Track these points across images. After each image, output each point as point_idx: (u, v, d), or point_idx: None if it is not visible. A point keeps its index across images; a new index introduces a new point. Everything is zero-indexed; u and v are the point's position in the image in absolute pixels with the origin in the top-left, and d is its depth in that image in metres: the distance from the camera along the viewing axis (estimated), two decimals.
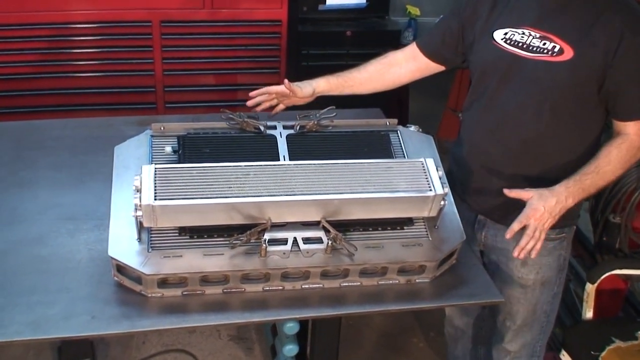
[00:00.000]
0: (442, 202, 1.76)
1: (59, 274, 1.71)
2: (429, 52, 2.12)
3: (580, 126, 1.87)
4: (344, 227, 1.75)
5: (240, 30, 3.56)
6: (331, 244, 1.70)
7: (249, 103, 2.12)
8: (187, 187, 1.64)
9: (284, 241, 1.71)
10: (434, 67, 2.14)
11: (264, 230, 1.69)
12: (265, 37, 3.61)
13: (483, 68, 1.97)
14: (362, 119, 2.10)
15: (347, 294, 1.75)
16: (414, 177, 1.76)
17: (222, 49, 3.58)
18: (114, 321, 1.61)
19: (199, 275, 1.66)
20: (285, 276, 1.73)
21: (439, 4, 4.12)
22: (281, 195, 1.67)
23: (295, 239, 1.72)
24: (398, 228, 1.80)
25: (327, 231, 1.72)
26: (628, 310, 2.73)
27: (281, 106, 2.14)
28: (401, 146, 2.02)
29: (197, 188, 1.64)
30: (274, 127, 1.99)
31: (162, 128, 1.94)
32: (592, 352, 2.24)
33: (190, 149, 1.89)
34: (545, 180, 1.83)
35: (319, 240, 1.72)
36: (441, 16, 2.18)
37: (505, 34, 1.88)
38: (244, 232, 1.67)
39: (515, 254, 1.78)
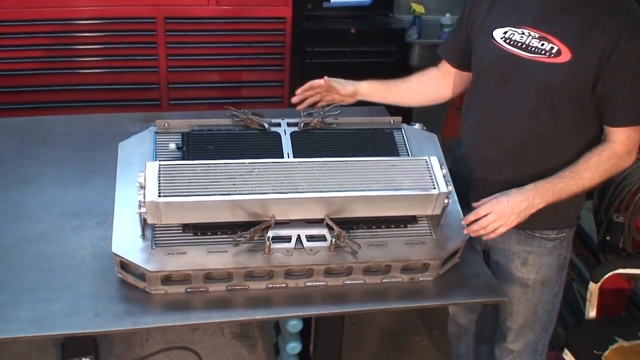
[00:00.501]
0: (446, 201, 1.76)
1: (63, 270, 1.71)
2: (456, 64, 2.11)
3: (578, 128, 1.86)
4: (348, 224, 1.75)
5: (244, 28, 3.56)
6: (335, 241, 1.70)
7: (294, 100, 2.11)
8: (191, 184, 1.64)
9: (288, 239, 1.71)
10: (466, 76, 2.11)
11: (267, 228, 1.69)
12: (269, 34, 3.61)
13: (482, 67, 1.97)
14: (367, 117, 2.09)
15: (351, 292, 1.75)
16: (418, 175, 1.76)
17: (227, 46, 3.58)
18: (117, 318, 1.61)
19: (203, 272, 1.66)
20: (289, 274, 1.73)
21: (443, 2, 4.12)
22: (285, 192, 1.67)
23: (298, 237, 1.72)
24: (402, 226, 1.80)
25: (330, 229, 1.71)
26: (631, 309, 2.72)
27: (322, 102, 2.11)
28: (405, 144, 2.02)
29: (201, 185, 1.64)
30: (278, 125, 1.99)
31: (166, 125, 1.94)
32: (595, 352, 2.23)
33: (195, 146, 1.89)
34: (541, 178, 1.83)
35: (322, 238, 1.72)
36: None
37: (505, 33, 1.87)
38: (247, 230, 1.67)
39: (465, 231, 1.79)
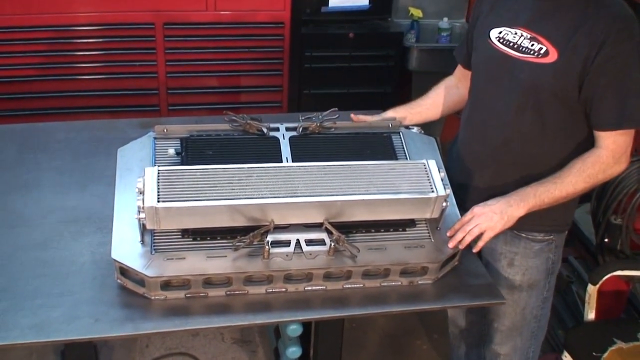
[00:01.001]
0: (444, 204, 1.77)
1: (62, 277, 1.71)
2: (466, 65, 2.13)
3: (564, 130, 1.86)
4: (347, 228, 1.76)
5: (243, 33, 3.57)
6: (334, 245, 1.70)
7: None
8: (190, 189, 1.65)
9: (287, 243, 1.71)
10: None
11: (266, 232, 1.69)
12: (268, 39, 3.62)
13: (477, 66, 2.01)
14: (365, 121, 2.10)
15: (350, 296, 1.76)
16: (416, 179, 1.77)
17: (225, 51, 3.60)
18: (117, 324, 1.61)
19: (202, 277, 1.67)
20: (288, 278, 1.73)
21: (441, 6, 4.13)
22: (284, 197, 1.67)
23: (298, 241, 1.72)
24: (400, 230, 1.81)
25: (329, 233, 1.72)
26: (630, 311, 2.73)
27: None
28: (403, 148, 2.02)
29: (200, 190, 1.65)
30: (277, 129, 1.99)
31: (165, 130, 1.95)
32: (594, 353, 2.24)
33: (194, 151, 1.89)
34: (528, 180, 1.84)
35: (321, 242, 1.72)
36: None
37: (500, 32, 1.89)
38: (246, 234, 1.67)
39: (450, 244, 1.79)
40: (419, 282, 1.80)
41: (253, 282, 1.72)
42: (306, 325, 2.25)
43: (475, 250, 1.83)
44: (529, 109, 1.84)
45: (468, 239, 1.78)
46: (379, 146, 2.01)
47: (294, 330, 2.27)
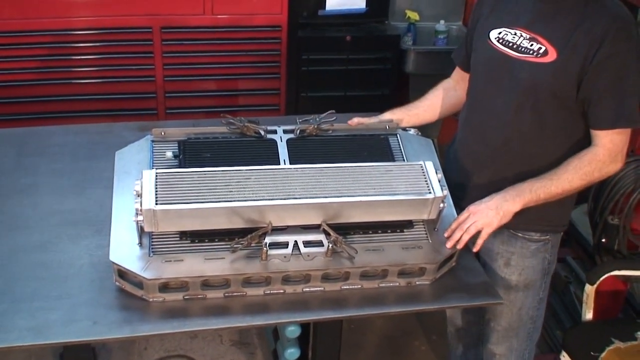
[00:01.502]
0: (442, 205, 1.77)
1: (61, 279, 1.72)
2: (465, 67, 2.14)
3: (563, 129, 1.87)
4: (345, 230, 1.76)
5: (240, 36, 3.58)
6: (332, 247, 1.71)
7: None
8: (188, 191, 1.65)
9: (285, 245, 1.72)
10: None
11: (264, 234, 1.70)
12: (265, 42, 3.63)
13: (476, 66, 2.01)
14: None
15: (348, 297, 1.76)
16: (414, 180, 1.77)
17: (223, 55, 3.60)
18: (115, 326, 1.61)
19: (200, 279, 1.67)
20: (286, 279, 1.73)
21: (438, 9, 4.14)
22: (282, 199, 1.68)
23: (295, 243, 1.72)
24: (398, 231, 1.81)
25: (327, 234, 1.72)
26: (627, 311, 2.73)
27: None
28: (401, 149, 2.03)
29: (198, 192, 1.66)
30: (274, 132, 2.00)
31: (162, 133, 1.96)
32: (592, 353, 2.24)
33: (191, 154, 1.90)
34: (526, 180, 1.85)
35: (319, 244, 1.73)
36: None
37: (500, 33, 1.91)
38: (244, 236, 1.68)
39: (448, 244, 1.80)
40: (417, 282, 1.80)
41: (251, 284, 1.72)
42: (304, 326, 2.25)
43: (475, 249, 1.84)
44: (528, 108, 1.85)
45: (465, 238, 1.79)
46: (376, 148, 2.02)
47: (293, 331, 2.27)
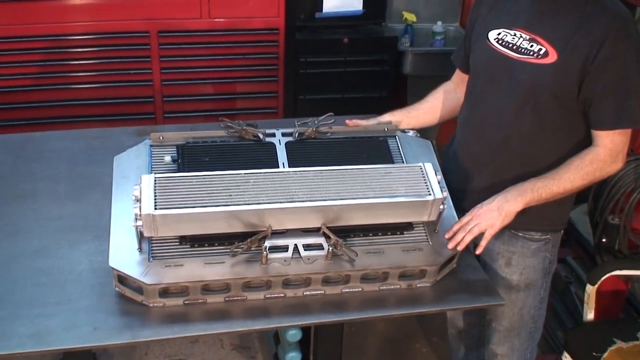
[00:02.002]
0: (442, 206, 1.77)
1: (60, 285, 1.71)
2: (464, 69, 2.14)
3: (563, 130, 1.87)
4: (344, 233, 1.76)
5: (238, 39, 3.58)
6: (332, 250, 1.70)
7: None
8: (187, 196, 1.65)
9: (285, 248, 1.71)
10: None
11: (264, 238, 1.69)
12: (263, 45, 3.63)
13: (475, 67, 2.01)
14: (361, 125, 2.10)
15: (349, 300, 1.76)
16: (413, 182, 1.77)
17: (220, 58, 3.60)
18: (116, 332, 1.61)
19: (201, 284, 1.66)
20: (287, 283, 1.73)
21: (435, 10, 4.14)
22: (281, 202, 1.67)
23: (295, 246, 1.72)
24: (398, 233, 1.81)
25: (327, 237, 1.72)
26: (629, 311, 2.73)
27: None
28: (400, 151, 2.03)
29: (197, 197, 1.65)
30: (273, 135, 2.00)
31: (161, 138, 1.95)
32: (594, 354, 2.24)
33: (190, 158, 1.89)
34: (527, 179, 1.85)
35: (319, 247, 1.73)
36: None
37: (499, 34, 1.90)
38: (244, 240, 1.67)
39: (449, 245, 1.80)
40: (418, 285, 1.80)
41: (252, 288, 1.72)
42: (305, 330, 2.25)
43: (478, 251, 1.84)
44: (528, 109, 1.85)
45: (468, 239, 1.79)
46: (376, 150, 2.02)
47: (293, 335, 2.27)
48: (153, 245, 1.69)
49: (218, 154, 1.93)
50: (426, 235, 1.82)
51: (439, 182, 1.77)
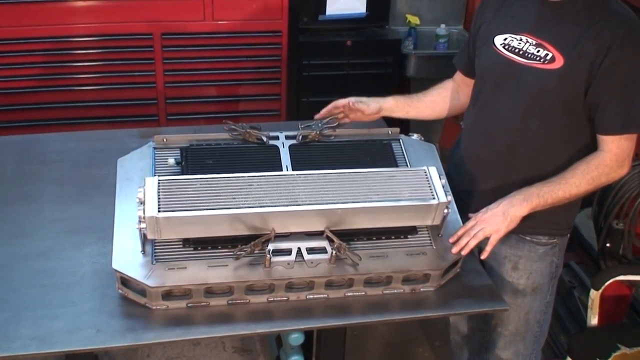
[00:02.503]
0: (446, 210, 1.76)
1: (64, 287, 1.71)
2: (466, 71, 2.14)
3: (569, 135, 1.87)
4: (348, 236, 1.75)
5: (241, 42, 3.58)
6: (335, 253, 1.70)
7: (317, 117, 2.10)
8: (191, 198, 1.64)
9: (288, 251, 1.71)
10: None
11: (268, 241, 1.69)
12: (266, 48, 3.63)
13: (481, 72, 2.01)
14: (364, 128, 2.10)
15: (352, 304, 1.75)
16: (417, 186, 1.76)
17: (223, 61, 3.60)
18: (119, 334, 1.60)
19: (204, 287, 1.66)
20: (290, 287, 1.72)
21: (439, 13, 4.15)
22: (285, 205, 1.67)
23: (299, 249, 1.71)
24: (402, 237, 1.80)
25: (331, 241, 1.71)
26: (633, 316, 2.72)
27: (347, 120, 2.12)
28: (404, 155, 2.02)
29: (201, 199, 1.65)
30: (277, 138, 1.99)
31: (164, 140, 1.95)
32: (598, 359, 2.23)
33: (194, 161, 1.89)
34: (532, 184, 1.84)
35: (323, 250, 1.72)
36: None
37: (505, 39, 1.90)
38: (248, 243, 1.67)
39: (453, 250, 1.79)
40: (421, 289, 1.79)
41: (254, 291, 1.71)
42: (308, 333, 2.25)
43: (483, 256, 1.83)
44: (535, 115, 1.85)
45: (472, 244, 1.78)
46: (379, 153, 2.01)
47: (296, 339, 2.27)
48: (156, 247, 1.68)
49: (222, 157, 1.92)
50: (430, 240, 1.81)
51: (443, 186, 1.76)
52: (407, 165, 1.99)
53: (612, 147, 1.80)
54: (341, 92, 3.89)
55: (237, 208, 1.64)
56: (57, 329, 1.59)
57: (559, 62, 1.78)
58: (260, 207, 1.65)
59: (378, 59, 3.85)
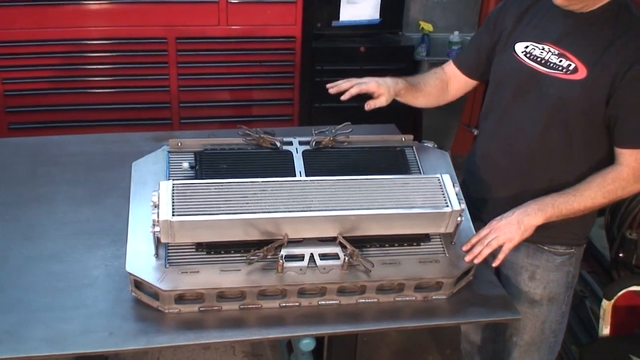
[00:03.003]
0: (459, 218, 1.76)
1: (76, 289, 1.71)
2: (467, 71, 2.15)
3: (589, 147, 1.86)
4: (361, 243, 1.75)
5: (254, 47, 3.59)
6: (348, 260, 1.70)
7: (332, 90, 2.06)
8: (205, 202, 1.65)
9: (301, 257, 1.71)
10: (472, 84, 2.19)
11: (280, 246, 1.69)
12: (279, 53, 3.64)
13: (500, 79, 2.00)
14: (378, 135, 2.10)
15: (364, 311, 1.75)
16: (431, 193, 1.76)
17: (237, 65, 3.61)
18: (131, 337, 1.61)
19: (216, 291, 1.66)
20: (302, 292, 1.72)
21: (451, 20, 4.15)
22: (298, 211, 1.67)
23: (312, 255, 1.71)
24: (415, 244, 1.80)
25: (343, 247, 1.71)
26: None
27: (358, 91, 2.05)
28: (417, 162, 2.02)
29: (215, 204, 1.65)
30: (290, 143, 2.00)
31: (179, 144, 1.96)
32: None
33: (208, 165, 1.89)
34: (549, 194, 1.83)
35: (335, 257, 1.72)
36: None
37: (526, 47, 1.90)
38: (260, 248, 1.67)
39: (466, 258, 1.78)
40: (434, 297, 1.79)
41: (267, 296, 1.71)
42: (319, 339, 2.24)
43: (495, 264, 1.82)
44: (556, 124, 1.85)
45: (486, 252, 1.78)
46: (393, 160, 2.01)
47: (307, 344, 2.26)
48: (170, 251, 1.69)
49: (235, 162, 1.93)
50: (443, 247, 1.81)
51: (456, 194, 1.76)
52: (420, 173, 1.99)
53: (629, 160, 1.79)
54: (353, 98, 3.90)
55: (250, 213, 1.65)
56: (70, 331, 1.59)
57: (582, 73, 1.78)
58: (274, 212, 1.66)
59: (391, 65, 3.85)
